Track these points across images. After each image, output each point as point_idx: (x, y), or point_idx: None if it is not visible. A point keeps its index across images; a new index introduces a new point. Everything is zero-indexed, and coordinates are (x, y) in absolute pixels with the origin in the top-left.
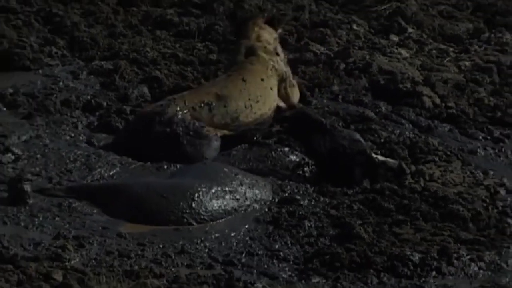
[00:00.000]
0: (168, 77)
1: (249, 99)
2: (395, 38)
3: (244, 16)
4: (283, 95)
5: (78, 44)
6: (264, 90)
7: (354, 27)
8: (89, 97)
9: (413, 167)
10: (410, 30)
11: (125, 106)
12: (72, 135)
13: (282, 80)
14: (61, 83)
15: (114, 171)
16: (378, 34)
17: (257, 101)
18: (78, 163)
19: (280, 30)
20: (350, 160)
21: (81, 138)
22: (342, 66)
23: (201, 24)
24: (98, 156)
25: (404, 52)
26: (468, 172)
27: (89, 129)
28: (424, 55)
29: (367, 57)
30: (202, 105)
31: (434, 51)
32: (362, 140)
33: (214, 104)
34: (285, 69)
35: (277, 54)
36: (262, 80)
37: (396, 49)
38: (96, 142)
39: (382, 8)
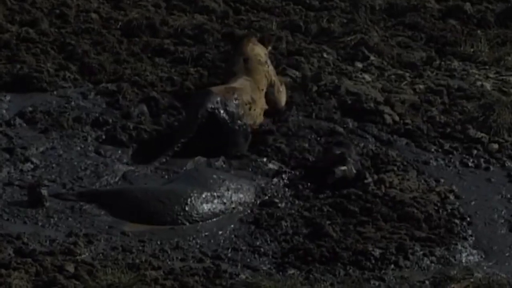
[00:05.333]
0: (164, 97)
1: (263, 106)
2: (359, 64)
3: (240, 35)
4: (271, 99)
5: (87, 69)
6: (262, 96)
7: (325, 55)
8: (97, 114)
9: (375, 176)
10: (372, 58)
11: (128, 122)
12: (83, 147)
13: (270, 86)
14: (73, 103)
15: (119, 178)
16: (345, 61)
17: (262, 107)
18: (88, 171)
19: (269, 48)
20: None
21: (90, 149)
22: (315, 88)
23: (193, 52)
24: (105, 165)
25: (367, 77)
26: (422, 180)
27: (97, 142)
28: (385, 79)
29: (336, 80)
30: (246, 104)
31: (393, 76)
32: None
33: (251, 105)
34: (274, 77)
35: (268, 66)
36: (262, 89)
37: (361, 74)
38: (103, 153)
39: (349, 39)
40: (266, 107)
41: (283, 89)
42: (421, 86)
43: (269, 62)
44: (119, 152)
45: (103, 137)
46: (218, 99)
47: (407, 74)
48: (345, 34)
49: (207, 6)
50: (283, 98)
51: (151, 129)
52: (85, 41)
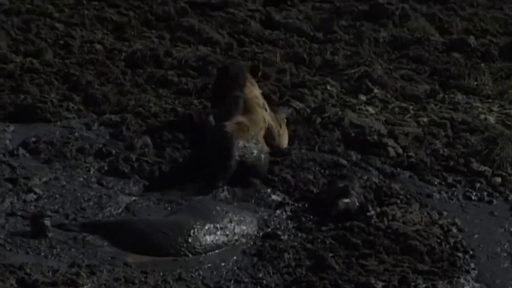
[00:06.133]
0: (167, 129)
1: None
2: (363, 97)
3: (234, 69)
4: (273, 144)
5: (91, 100)
6: (261, 135)
7: (328, 87)
8: (100, 145)
9: (378, 208)
10: (376, 90)
11: (131, 154)
12: (86, 177)
13: (268, 132)
14: (76, 133)
15: (122, 209)
16: (349, 93)
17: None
18: (91, 202)
19: (259, 75)
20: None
21: (93, 180)
22: (318, 120)
23: (197, 84)
24: (108, 197)
25: (371, 109)
26: (425, 213)
27: (100, 173)
28: (388, 112)
29: (340, 113)
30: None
31: (397, 109)
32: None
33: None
34: (271, 121)
35: (266, 109)
36: (261, 129)
37: (364, 106)
38: (106, 184)
39: (352, 71)
40: (267, 149)
41: (283, 130)
42: (425, 119)
43: (266, 105)
44: (122, 183)
45: (106, 168)
46: (241, 144)
47: (411, 107)
48: (349, 67)
49: (211, 37)
50: (285, 140)
51: (154, 161)
52: (89, 71)
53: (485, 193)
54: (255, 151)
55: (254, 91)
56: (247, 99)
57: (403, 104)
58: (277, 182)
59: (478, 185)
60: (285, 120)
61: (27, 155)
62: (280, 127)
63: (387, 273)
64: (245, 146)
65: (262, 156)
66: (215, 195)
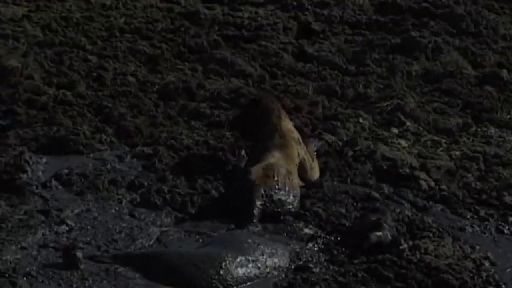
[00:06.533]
0: (199, 161)
1: (298, 179)
2: (395, 130)
3: (267, 101)
4: (305, 177)
5: (124, 132)
6: (296, 169)
7: (361, 120)
8: (132, 177)
9: (410, 242)
10: (408, 123)
11: (163, 186)
12: (118, 209)
13: (301, 165)
14: (109, 165)
15: (153, 241)
16: (381, 126)
17: (298, 179)
18: (122, 234)
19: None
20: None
21: (125, 212)
22: (350, 153)
23: (229, 116)
24: (140, 229)
25: (403, 142)
26: (457, 247)
27: (132, 204)
28: (420, 145)
29: (372, 146)
30: (284, 177)
31: (429, 142)
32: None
33: (290, 176)
34: (304, 155)
35: (300, 143)
36: (296, 164)
37: (396, 139)
38: (138, 216)
39: (385, 104)
40: (301, 183)
41: (314, 164)
42: (457, 153)
43: (299, 138)
44: (154, 215)
45: (138, 200)
46: (262, 191)
47: (443, 140)
48: (381, 99)
49: (244, 70)
50: (316, 173)
51: (186, 193)
52: (122, 104)
53: None
54: (282, 197)
55: (288, 125)
56: (283, 133)
57: (436, 137)
58: (309, 217)
59: (510, 218)
60: (315, 152)
61: (60, 187)
62: (312, 160)
63: None
64: (267, 195)
65: (289, 200)
66: (247, 227)
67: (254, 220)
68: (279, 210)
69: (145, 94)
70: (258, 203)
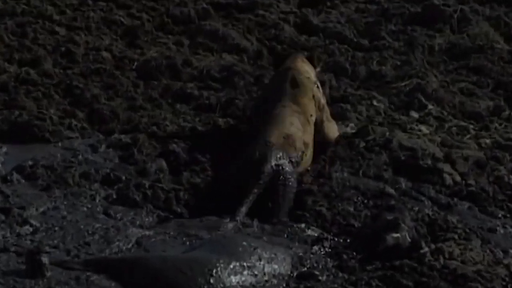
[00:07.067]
0: (185, 151)
1: (313, 144)
2: (415, 114)
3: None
4: (320, 130)
5: (97, 117)
6: (312, 128)
7: (375, 103)
8: (108, 170)
9: (432, 245)
10: (430, 106)
11: (144, 180)
12: (90, 207)
13: (319, 109)
14: (80, 156)
15: (132, 244)
16: (399, 110)
17: (312, 147)
18: (96, 236)
19: (318, 69)
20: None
21: (99, 210)
22: (362, 144)
23: (221, 98)
24: (117, 230)
25: (424, 129)
26: (487, 251)
27: (107, 202)
28: (444, 132)
29: (387, 133)
30: (300, 154)
31: (455, 128)
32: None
33: (305, 151)
34: (323, 101)
35: (318, 87)
36: (311, 116)
37: (417, 125)
38: (114, 215)
39: (403, 84)
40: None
41: (332, 120)
42: (488, 141)
43: (318, 83)
44: (132, 214)
45: (114, 196)
46: (281, 154)
47: (471, 126)
48: (398, 79)
49: (238, 44)
50: (333, 129)
51: (170, 188)
52: (95, 84)
53: None
54: (290, 168)
55: (306, 67)
56: (297, 74)
57: (462, 123)
58: (310, 217)
59: None
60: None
61: (23, 181)
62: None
63: None
64: (282, 158)
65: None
66: (241, 227)
67: (264, 180)
68: (289, 182)
69: (122, 72)
70: (273, 161)
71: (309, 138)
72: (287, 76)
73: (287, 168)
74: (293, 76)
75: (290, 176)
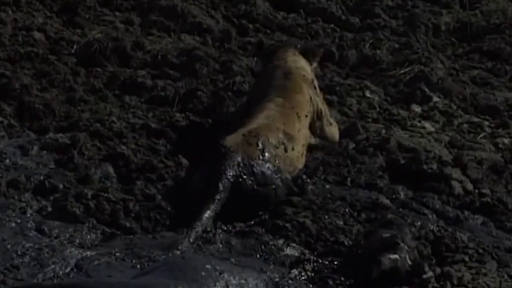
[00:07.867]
0: (137, 153)
1: (306, 141)
2: (417, 108)
3: (275, 45)
4: (321, 136)
5: (28, 112)
6: (305, 126)
7: (368, 94)
8: (41, 177)
9: (438, 268)
10: (436, 99)
11: (85, 189)
12: (20, 222)
13: (318, 118)
14: (7, 160)
15: (71, 267)
16: (397, 103)
17: (304, 143)
18: (26, 257)
19: (315, 65)
20: None
21: (30, 226)
22: (352, 145)
23: (179, 89)
24: (52, 250)
25: (428, 126)
26: (505, 275)
27: (41, 216)
28: (454, 129)
29: (383, 131)
30: (279, 144)
31: (466, 125)
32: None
33: (286, 143)
34: (322, 106)
35: (315, 87)
36: (305, 116)
37: (419, 121)
38: (48, 232)
39: (402, 72)
40: (313, 141)
41: (333, 120)
42: (506, 140)
43: (316, 82)
44: (71, 230)
45: (50, 209)
46: (239, 159)
47: (486, 123)
48: (396, 65)
49: (200, 23)
50: (336, 133)
51: (118, 199)
52: (25, 71)
53: None
54: (267, 172)
55: (300, 62)
56: (289, 71)
57: (475, 119)
58: (291, 231)
59: None
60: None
61: None
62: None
63: None
64: (245, 164)
65: (277, 177)
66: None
67: (221, 195)
68: (261, 189)
69: (59, 58)
70: (230, 172)
71: (294, 131)
72: (276, 71)
73: (252, 169)
74: (283, 70)
75: (258, 175)
